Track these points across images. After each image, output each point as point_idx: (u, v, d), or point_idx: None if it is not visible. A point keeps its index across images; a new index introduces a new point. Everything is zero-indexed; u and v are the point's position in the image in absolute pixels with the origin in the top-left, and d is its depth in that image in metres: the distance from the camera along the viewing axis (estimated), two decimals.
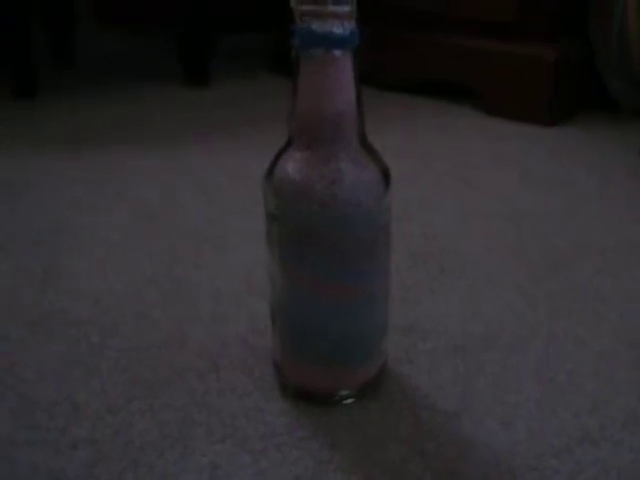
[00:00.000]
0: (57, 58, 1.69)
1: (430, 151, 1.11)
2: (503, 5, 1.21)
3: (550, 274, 0.75)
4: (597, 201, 0.92)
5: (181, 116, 1.31)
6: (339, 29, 0.47)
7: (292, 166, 0.50)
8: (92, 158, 1.10)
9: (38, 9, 1.61)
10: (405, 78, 1.39)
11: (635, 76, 1.13)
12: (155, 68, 1.68)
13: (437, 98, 1.37)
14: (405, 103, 1.36)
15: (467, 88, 1.31)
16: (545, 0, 1.19)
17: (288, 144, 0.51)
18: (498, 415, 0.55)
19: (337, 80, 0.48)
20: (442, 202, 0.92)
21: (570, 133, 1.18)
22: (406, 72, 1.38)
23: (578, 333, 0.65)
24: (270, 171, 0.51)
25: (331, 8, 0.47)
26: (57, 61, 1.69)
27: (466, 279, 0.74)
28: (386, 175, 0.51)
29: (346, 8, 0.47)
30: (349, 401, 0.56)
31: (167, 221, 0.88)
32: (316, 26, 0.47)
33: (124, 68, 1.70)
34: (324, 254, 0.50)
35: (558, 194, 0.95)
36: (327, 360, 0.54)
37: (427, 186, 0.98)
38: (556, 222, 0.86)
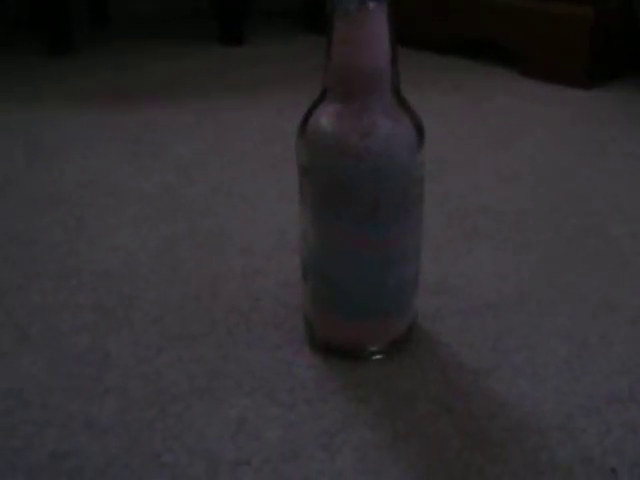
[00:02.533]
0: (92, 16, 1.69)
1: (464, 112, 1.10)
2: None
3: (584, 237, 0.74)
4: (634, 166, 0.91)
5: (215, 74, 1.31)
6: None
7: (325, 119, 0.49)
8: (126, 115, 1.10)
9: None
10: (439, 37, 1.37)
11: None
12: (189, 26, 1.68)
13: (471, 58, 1.36)
14: (438, 63, 1.34)
15: (502, 48, 1.29)
16: None
17: (322, 97, 0.50)
18: (528, 375, 0.54)
19: (371, 33, 0.47)
20: (476, 162, 0.92)
21: (608, 97, 1.16)
22: (440, 31, 1.36)
23: (610, 297, 0.64)
24: (303, 124, 0.51)
25: None
26: (93, 19, 1.69)
27: (499, 239, 0.73)
28: (420, 129, 0.51)
29: None
30: (378, 357, 0.56)
31: (200, 177, 0.88)
32: None
33: (158, 27, 1.70)
34: (357, 207, 0.50)
35: (593, 158, 0.93)
36: (357, 314, 0.54)
37: (461, 146, 0.97)
38: (590, 186, 0.85)
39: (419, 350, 0.57)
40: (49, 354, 0.57)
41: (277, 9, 1.82)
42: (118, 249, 0.72)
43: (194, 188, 0.85)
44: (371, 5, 0.47)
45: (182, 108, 1.13)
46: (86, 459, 0.47)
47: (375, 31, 0.47)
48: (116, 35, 1.63)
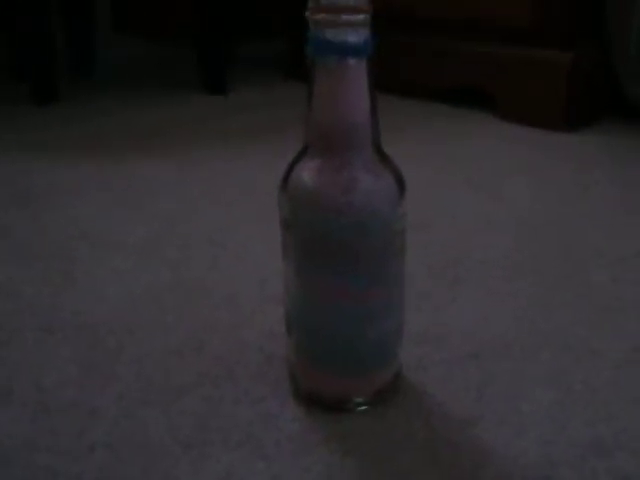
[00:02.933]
0: (77, 65, 1.71)
1: (446, 158, 1.11)
2: (519, 11, 1.22)
3: (566, 283, 0.75)
4: (615, 209, 0.92)
5: (199, 123, 1.32)
6: (353, 37, 0.47)
7: (307, 174, 0.50)
8: (110, 166, 1.11)
9: (58, 16, 1.63)
10: (421, 84, 1.39)
11: None
12: (172, 75, 1.69)
13: (453, 105, 1.37)
14: (421, 110, 1.36)
15: (483, 94, 1.31)
16: (561, 6, 1.19)
17: (303, 152, 0.51)
18: (512, 423, 0.55)
19: (352, 88, 0.48)
20: (458, 210, 0.92)
21: (587, 139, 1.18)
22: (422, 78, 1.38)
23: (593, 342, 0.65)
24: (285, 179, 0.52)
25: (345, 17, 0.47)
26: (77, 68, 1.70)
27: (482, 288, 0.74)
28: (401, 182, 0.52)
29: (360, 16, 0.47)
30: (363, 408, 0.56)
31: (184, 229, 0.89)
32: (330, 34, 0.47)
33: (142, 75, 1.71)
34: (338, 260, 0.50)
35: (575, 202, 0.94)
36: (341, 366, 0.54)
37: (443, 194, 0.98)
38: (573, 230, 0.86)
39: (404, 401, 0.57)
40: (32, 410, 0.57)
41: (260, 56, 1.84)
42: (103, 301, 0.72)
43: (178, 239, 0.86)
44: (351, 61, 0.48)
45: (166, 158, 1.14)
46: None
47: (355, 87, 0.48)
48: (100, 83, 1.64)
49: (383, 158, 0.51)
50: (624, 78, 1.20)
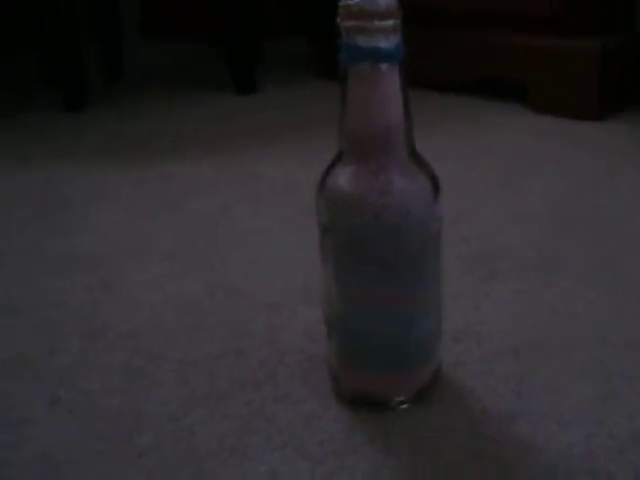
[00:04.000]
0: (106, 70, 1.72)
1: (478, 152, 1.11)
2: (549, 0, 1.21)
3: (601, 275, 0.75)
4: None
5: (231, 124, 1.33)
6: (385, 43, 0.48)
7: (343, 179, 0.51)
8: (144, 169, 1.12)
9: (87, 22, 1.65)
10: (451, 76, 1.39)
11: None
12: (201, 76, 1.70)
13: (484, 97, 1.37)
14: (452, 103, 1.36)
15: (514, 85, 1.30)
16: None
17: (339, 157, 0.52)
18: (553, 417, 0.55)
19: (385, 94, 0.49)
20: (491, 205, 0.93)
21: (619, 128, 1.18)
22: (452, 70, 1.38)
23: (631, 334, 0.65)
24: (322, 184, 0.52)
25: (376, 23, 0.48)
26: (106, 73, 1.72)
27: (517, 282, 0.74)
28: (436, 184, 0.52)
29: (391, 22, 0.48)
30: (404, 406, 0.56)
31: (222, 232, 0.90)
32: (362, 41, 0.48)
33: (172, 78, 1.72)
34: (377, 263, 0.51)
35: (607, 193, 0.94)
36: (382, 366, 0.55)
37: (476, 189, 0.98)
38: (605, 222, 0.86)
39: (444, 397, 0.58)
40: (80, 417, 0.58)
41: (289, 55, 1.84)
42: (142, 308, 0.74)
43: (214, 243, 0.87)
44: (383, 66, 0.49)
45: (198, 160, 1.15)
46: None
47: (388, 92, 0.49)
48: (130, 87, 1.66)
49: (417, 161, 0.52)
50: None
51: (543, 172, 1.02)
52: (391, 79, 0.49)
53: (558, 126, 1.20)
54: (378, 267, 0.51)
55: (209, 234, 0.89)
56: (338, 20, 0.49)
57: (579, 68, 1.20)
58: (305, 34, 1.72)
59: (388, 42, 0.48)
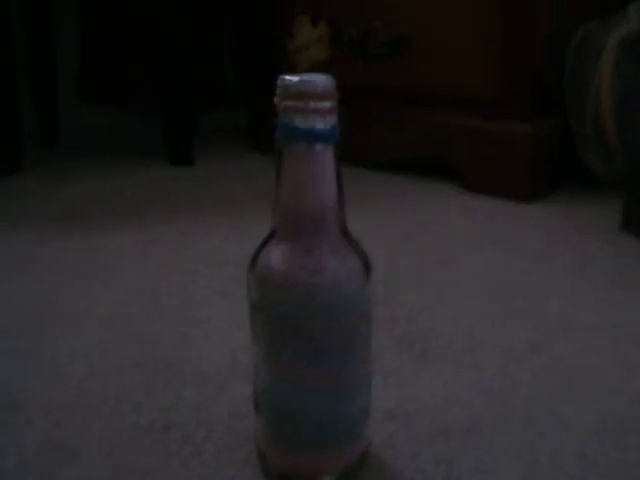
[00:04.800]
0: (41, 135, 1.71)
1: (411, 230, 1.13)
2: (482, 83, 1.25)
3: (532, 354, 0.75)
4: (579, 278, 0.93)
5: (165, 195, 1.33)
6: (321, 124, 0.49)
7: (275, 257, 0.51)
8: (76, 237, 1.11)
9: (23, 85, 1.64)
10: (386, 155, 1.41)
11: (609, 153, 1.16)
12: (139, 146, 1.70)
13: (418, 175, 1.40)
14: (386, 181, 1.38)
15: (447, 165, 1.33)
16: (523, 77, 1.22)
17: (271, 234, 0.52)
18: None
19: (319, 174, 0.49)
20: (424, 284, 0.93)
21: (550, 209, 1.21)
22: (388, 148, 1.41)
23: (561, 414, 0.65)
24: (254, 262, 0.52)
25: (313, 104, 0.48)
26: (41, 138, 1.71)
27: (449, 361, 0.75)
28: (367, 264, 0.53)
29: (328, 104, 0.49)
30: None
31: (152, 303, 0.89)
32: (299, 121, 0.49)
33: (108, 146, 1.72)
34: (307, 342, 0.51)
35: (540, 271, 0.96)
36: (310, 445, 0.54)
37: (409, 266, 0.99)
38: (538, 300, 0.87)
39: (372, 478, 0.57)
40: None
41: (225, 127, 1.86)
42: (68, 379, 0.72)
43: (144, 314, 0.86)
44: (318, 147, 0.49)
45: (132, 230, 1.14)
46: None
47: (322, 172, 0.50)
48: (65, 153, 1.65)
49: (349, 240, 0.52)
50: (582, 149, 1.23)
51: (477, 251, 1.04)
52: (325, 159, 0.49)
53: (492, 206, 1.23)
54: (308, 345, 0.51)
55: (139, 305, 0.88)
56: (276, 99, 0.50)
57: (511, 151, 1.24)
58: (244, 107, 1.74)
59: (324, 123, 0.49)
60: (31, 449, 0.61)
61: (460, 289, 0.91)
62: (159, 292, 0.92)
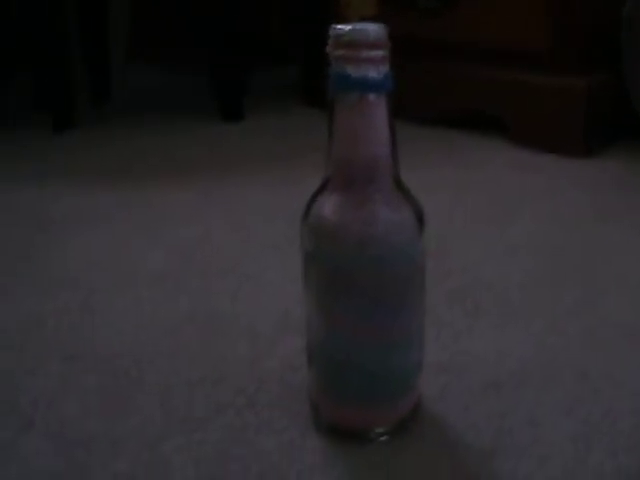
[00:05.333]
0: (94, 93, 1.72)
1: (463, 185, 1.12)
2: (536, 36, 1.22)
3: (585, 310, 0.75)
4: (634, 235, 0.92)
5: (216, 151, 1.33)
6: (374, 73, 0.48)
7: (328, 208, 0.51)
8: (128, 192, 1.12)
9: (77, 45, 1.65)
10: (437, 110, 1.40)
11: None
12: (188, 102, 1.70)
13: (471, 131, 1.38)
14: (438, 136, 1.37)
15: (498, 120, 1.31)
16: (578, 31, 1.20)
17: (324, 185, 0.52)
18: (534, 453, 0.55)
19: (372, 124, 0.49)
20: (475, 239, 0.93)
21: (604, 165, 1.18)
22: (437, 103, 1.39)
23: (613, 371, 0.64)
24: (307, 212, 0.52)
25: (366, 53, 0.48)
26: (94, 96, 1.72)
27: (501, 316, 0.74)
28: (420, 216, 0.52)
29: (380, 52, 0.48)
30: (384, 438, 0.56)
31: (203, 258, 0.89)
32: (351, 70, 0.48)
33: (158, 103, 1.72)
34: (360, 294, 0.51)
35: (592, 228, 0.94)
36: (363, 397, 0.54)
37: (461, 221, 0.98)
38: (591, 257, 0.86)
39: (424, 431, 0.57)
40: (54, 441, 0.57)
41: (276, 83, 1.85)
42: (123, 332, 0.73)
43: (197, 268, 0.86)
44: (371, 97, 0.49)
45: (183, 185, 1.15)
46: None
47: (375, 122, 0.49)
48: (118, 111, 1.66)
49: (403, 192, 0.52)
50: (638, 103, 1.20)
51: (529, 207, 1.02)
52: (379, 109, 0.49)
53: (543, 162, 1.21)
54: (361, 297, 0.51)
55: (192, 259, 0.89)
56: (328, 49, 0.49)
57: (565, 105, 1.21)
58: (296, 62, 1.73)
59: (377, 72, 0.48)
60: (90, 399, 0.62)
61: (511, 245, 0.90)
62: (210, 247, 0.92)
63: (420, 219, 0.52)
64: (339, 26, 0.48)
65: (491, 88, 1.30)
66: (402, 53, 1.16)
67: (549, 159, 1.21)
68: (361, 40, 0.48)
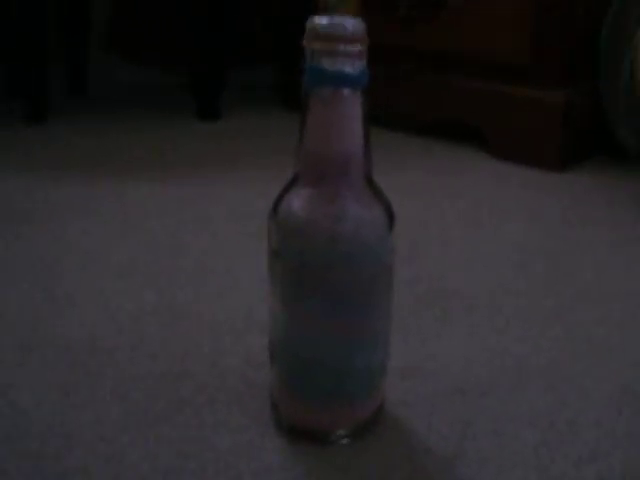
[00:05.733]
0: (70, 86, 1.70)
1: (438, 193, 1.11)
2: (515, 49, 1.22)
3: (554, 321, 0.74)
4: (607, 249, 0.92)
5: (191, 149, 1.32)
6: (350, 68, 0.47)
7: (297, 203, 0.50)
8: (100, 186, 1.10)
9: (54, 35, 1.63)
10: (417, 119, 1.39)
11: None
12: (167, 100, 1.69)
13: (449, 140, 1.38)
14: (416, 144, 1.36)
15: (477, 131, 1.31)
16: (556, 45, 1.20)
17: (294, 180, 0.51)
18: (495, 462, 0.54)
19: (345, 119, 0.48)
20: (448, 244, 0.92)
21: (579, 179, 1.18)
22: (417, 113, 1.39)
23: (579, 381, 0.64)
24: (275, 207, 0.51)
25: (342, 47, 0.47)
26: (70, 89, 1.70)
27: (470, 323, 0.74)
28: (390, 215, 0.51)
29: (357, 47, 0.48)
30: (345, 441, 0.55)
31: (170, 253, 0.88)
32: (327, 64, 0.47)
33: (136, 99, 1.71)
34: (326, 291, 0.50)
35: (565, 240, 0.94)
36: (325, 397, 0.54)
37: (434, 228, 0.98)
38: (563, 269, 0.86)
39: (386, 435, 0.56)
40: (7, 432, 0.56)
41: (254, 84, 1.84)
42: (84, 323, 0.71)
43: (163, 263, 0.85)
44: (346, 92, 0.48)
45: (154, 180, 1.13)
46: None
47: (349, 117, 0.48)
48: (93, 105, 1.64)
49: (374, 190, 0.51)
50: (614, 119, 1.21)
51: (502, 216, 1.02)
52: (353, 105, 0.48)
53: (521, 174, 1.21)
54: (327, 294, 0.50)
55: (159, 254, 0.88)
56: (304, 42, 0.48)
57: (543, 119, 1.21)
58: (273, 63, 1.72)
59: (353, 67, 0.48)
60: (45, 390, 0.61)
61: (484, 253, 0.90)
62: (179, 242, 0.91)
63: (390, 217, 0.51)
64: (316, 18, 0.48)
65: (471, 99, 1.30)
66: (383, 61, 1.16)
67: (526, 172, 1.21)
68: (338, 34, 0.47)
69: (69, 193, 1.07)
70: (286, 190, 0.51)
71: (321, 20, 0.47)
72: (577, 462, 0.54)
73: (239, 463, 0.53)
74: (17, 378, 0.63)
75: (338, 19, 0.47)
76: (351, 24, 0.47)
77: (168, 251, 0.89)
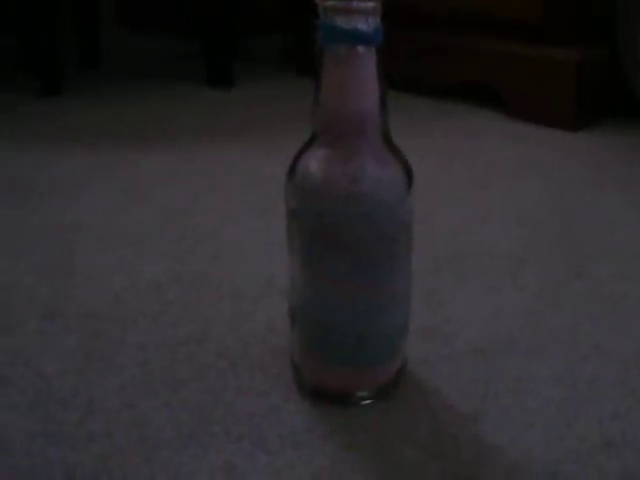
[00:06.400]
0: (82, 58, 1.70)
1: (455, 154, 1.11)
2: (530, 7, 1.21)
3: (573, 279, 0.74)
4: (622, 207, 0.91)
5: (203, 116, 1.31)
6: (363, 25, 0.47)
7: (314, 163, 0.49)
8: (113, 156, 1.10)
9: (65, 9, 1.62)
10: (432, 79, 1.38)
11: None
12: (178, 69, 1.69)
13: (465, 101, 1.36)
14: (428, 106, 1.35)
15: (494, 91, 1.30)
16: (571, 3, 1.18)
17: (311, 140, 0.50)
18: (518, 420, 0.54)
19: (361, 77, 0.47)
20: (465, 205, 0.92)
21: (594, 138, 1.17)
22: (433, 73, 1.37)
23: (600, 340, 0.64)
24: (292, 168, 0.51)
25: (356, 4, 0.46)
26: (82, 61, 1.70)
27: (488, 282, 0.73)
28: (409, 174, 0.51)
29: (371, 4, 0.47)
30: (367, 402, 0.55)
31: (187, 220, 0.88)
32: (340, 22, 0.47)
33: (148, 69, 1.70)
34: (345, 251, 0.49)
35: (583, 199, 0.94)
36: (346, 359, 0.54)
37: (451, 188, 0.97)
38: (581, 227, 0.85)
39: (408, 395, 0.56)
40: (31, 398, 0.56)
41: (267, 51, 1.83)
42: (105, 291, 0.72)
43: (182, 230, 0.85)
44: (360, 49, 0.47)
45: (169, 150, 1.13)
46: None
47: (364, 75, 0.48)
48: (105, 76, 1.64)
49: (392, 149, 0.51)
50: (632, 76, 1.19)
51: (519, 176, 1.01)
52: (368, 63, 0.47)
53: (536, 134, 1.20)
54: (346, 255, 0.49)
55: (176, 221, 0.88)
56: (317, 0, 0.48)
57: (557, 78, 1.20)
58: (282, 31, 1.71)
59: (367, 24, 0.47)
60: (69, 357, 0.61)
61: (501, 213, 0.89)
62: (193, 210, 0.91)
63: (409, 177, 0.51)
64: None
65: (485, 60, 1.28)
66: (397, 23, 1.14)
67: (542, 131, 1.20)
68: None
69: (83, 164, 1.07)
70: (303, 151, 0.51)
71: None
72: (600, 419, 0.54)
73: (263, 426, 0.53)
74: (40, 346, 0.63)
75: None
76: None
77: (184, 218, 0.88)
